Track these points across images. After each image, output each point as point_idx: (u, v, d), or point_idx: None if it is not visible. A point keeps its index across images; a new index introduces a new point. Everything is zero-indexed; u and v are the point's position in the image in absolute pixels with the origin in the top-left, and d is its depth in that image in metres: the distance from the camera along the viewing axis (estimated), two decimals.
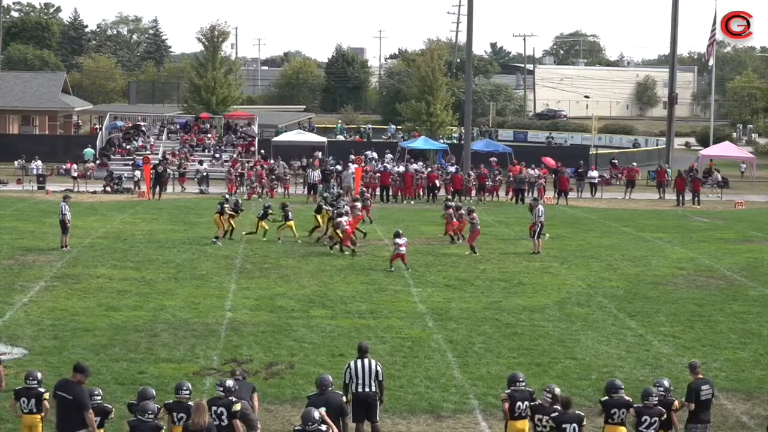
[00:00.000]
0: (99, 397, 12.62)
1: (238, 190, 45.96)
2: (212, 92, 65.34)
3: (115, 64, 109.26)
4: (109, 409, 12.67)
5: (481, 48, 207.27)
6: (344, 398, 13.21)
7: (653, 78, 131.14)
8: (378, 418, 13.81)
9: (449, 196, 43.08)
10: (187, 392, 12.74)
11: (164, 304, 22.14)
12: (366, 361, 13.77)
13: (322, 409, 12.13)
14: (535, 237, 30.22)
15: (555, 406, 12.60)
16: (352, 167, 47.12)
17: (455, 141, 67.20)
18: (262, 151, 55.33)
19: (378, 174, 46.66)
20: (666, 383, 13.27)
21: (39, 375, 13.25)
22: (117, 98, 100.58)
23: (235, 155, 54.88)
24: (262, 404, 14.84)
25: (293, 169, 50.40)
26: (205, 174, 48.64)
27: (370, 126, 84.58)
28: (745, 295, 24.46)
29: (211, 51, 65.74)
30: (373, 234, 33.09)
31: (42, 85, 70.74)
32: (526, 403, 13.04)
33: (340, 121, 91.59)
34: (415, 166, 49.21)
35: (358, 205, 32.75)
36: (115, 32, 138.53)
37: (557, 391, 12.90)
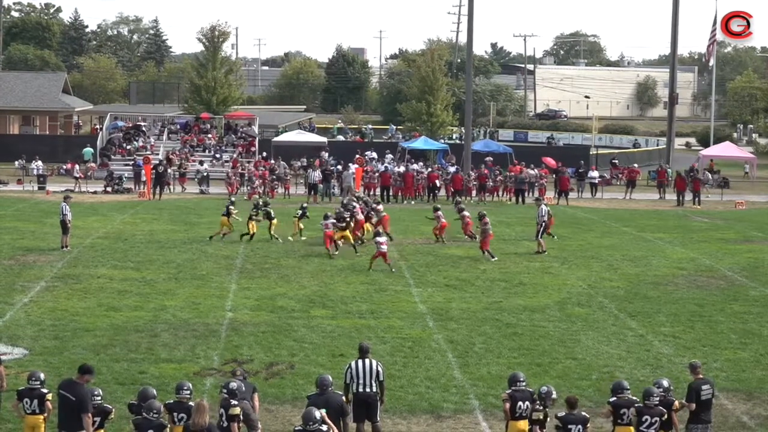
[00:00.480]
0: (99, 398, 12.62)
1: (238, 191, 45.90)
2: (213, 92, 65.33)
3: (115, 65, 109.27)
4: (109, 410, 12.68)
5: (481, 48, 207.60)
6: (344, 398, 13.21)
7: (654, 78, 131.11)
8: (378, 418, 13.82)
9: (439, 201, 42.62)
10: (188, 392, 12.75)
11: (165, 305, 22.14)
12: (367, 361, 13.78)
13: (323, 410, 12.14)
14: (539, 236, 30.16)
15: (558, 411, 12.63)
16: (353, 167, 47.13)
17: (457, 141, 67.17)
18: (264, 153, 55.27)
19: (377, 174, 46.70)
20: (665, 383, 13.28)
21: (42, 376, 13.26)
22: (117, 98, 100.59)
23: (235, 155, 54.89)
24: (263, 404, 14.85)
25: (294, 169, 50.41)
26: (205, 174, 48.65)
27: (370, 126, 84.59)
28: (746, 296, 24.46)
29: (211, 51, 65.73)
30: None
31: (42, 85, 70.74)
32: (527, 403, 13.05)
33: (340, 121, 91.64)
34: (415, 166, 49.22)
35: (380, 207, 33.10)
36: (115, 32, 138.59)
37: (544, 389, 12.92)
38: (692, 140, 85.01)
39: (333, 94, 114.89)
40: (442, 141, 63.23)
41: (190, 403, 12.42)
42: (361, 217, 31.43)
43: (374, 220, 31.98)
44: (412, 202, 44.51)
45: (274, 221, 31.54)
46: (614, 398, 12.93)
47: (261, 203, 33.12)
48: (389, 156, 55.26)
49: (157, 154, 53.66)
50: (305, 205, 33.70)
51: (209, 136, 59.11)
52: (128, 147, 56.44)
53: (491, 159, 51.89)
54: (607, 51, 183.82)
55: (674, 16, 56.47)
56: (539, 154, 56.69)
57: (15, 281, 24.48)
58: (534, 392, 13.35)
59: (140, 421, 12.13)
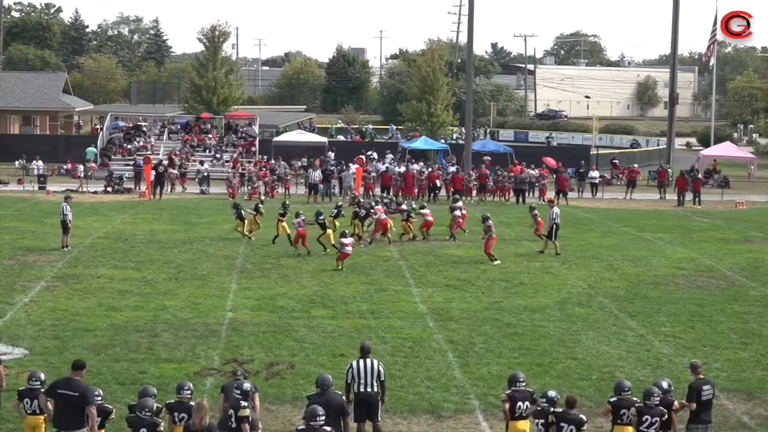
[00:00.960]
0: (100, 398, 12.62)
1: (239, 191, 45.88)
2: (213, 92, 65.33)
3: (115, 65, 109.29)
4: (109, 410, 12.68)
5: (481, 48, 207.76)
6: (344, 398, 13.21)
7: (654, 78, 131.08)
8: (379, 418, 13.82)
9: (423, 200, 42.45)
10: (189, 392, 12.76)
11: (165, 305, 22.14)
12: (368, 361, 13.80)
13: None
14: (553, 238, 30.08)
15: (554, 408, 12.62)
16: (353, 167, 47.13)
17: (459, 140, 67.17)
18: (265, 156, 55.20)
19: (374, 175, 46.71)
20: (665, 384, 13.28)
21: (42, 376, 13.26)
22: (118, 98, 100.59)
23: (235, 155, 54.89)
24: (263, 404, 14.85)
25: (294, 169, 50.41)
26: (205, 174, 48.66)
27: (371, 126, 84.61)
28: (746, 296, 24.46)
29: (211, 51, 65.73)
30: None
31: (43, 85, 70.75)
32: (527, 403, 13.05)
33: (340, 121, 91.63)
34: (415, 166, 49.22)
35: (404, 206, 33.34)
36: (115, 32, 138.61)
37: (552, 393, 12.91)
38: (692, 140, 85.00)
39: (333, 94, 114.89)
40: (443, 141, 63.23)
41: (191, 403, 12.42)
42: (383, 217, 31.48)
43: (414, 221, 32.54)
44: (413, 203, 44.43)
45: (243, 221, 31.63)
46: (615, 398, 12.94)
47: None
48: (389, 156, 55.26)
49: (158, 154, 53.66)
50: (340, 204, 33.98)
51: (209, 136, 59.11)
52: (129, 147, 56.46)
53: (489, 158, 51.86)
54: (608, 51, 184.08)
55: (674, 16, 56.49)
56: (539, 154, 56.69)
57: (15, 281, 24.49)
58: (534, 392, 13.36)
59: (133, 419, 12.16)
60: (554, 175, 47.83)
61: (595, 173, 49.86)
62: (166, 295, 23.15)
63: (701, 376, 13.54)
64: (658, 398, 12.75)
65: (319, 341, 19.26)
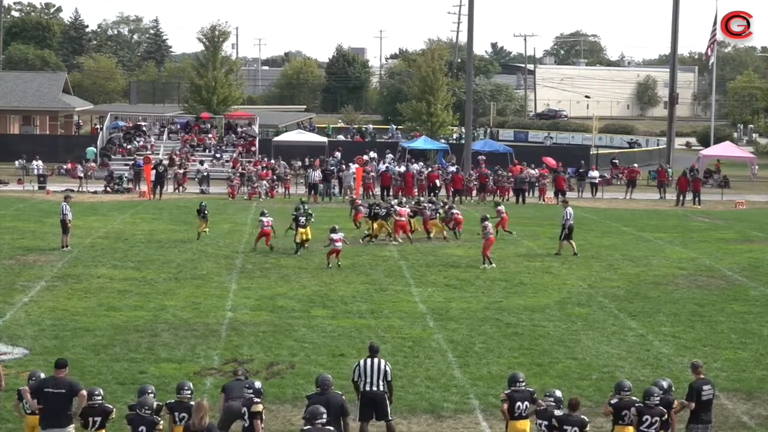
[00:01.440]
0: (100, 397, 12.62)
1: (239, 191, 45.87)
2: (213, 92, 65.31)
3: (115, 64, 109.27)
4: (109, 410, 12.68)
5: (481, 48, 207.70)
6: (344, 396, 13.20)
7: (654, 78, 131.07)
8: (390, 417, 13.87)
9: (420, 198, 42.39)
10: (189, 392, 12.77)
11: (165, 304, 22.14)
12: (375, 360, 13.88)
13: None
14: (563, 238, 29.94)
15: (557, 410, 12.60)
16: (353, 167, 47.13)
17: (461, 140, 67.19)
18: (264, 157, 55.19)
19: (373, 175, 46.72)
20: (665, 384, 13.29)
21: (42, 375, 13.29)
22: (118, 98, 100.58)
23: (235, 155, 54.91)
24: (263, 404, 14.82)
25: (294, 169, 50.42)
26: (205, 174, 48.66)
27: (371, 126, 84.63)
28: (746, 295, 24.46)
29: (211, 51, 65.71)
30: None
31: (43, 85, 70.73)
32: (527, 403, 13.05)
33: (340, 121, 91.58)
34: (415, 166, 49.22)
35: (432, 205, 33.40)
36: (115, 32, 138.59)
37: (559, 394, 12.89)
38: (692, 140, 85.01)
39: (333, 94, 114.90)
40: (443, 141, 63.25)
41: (191, 402, 12.43)
42: (403, 219, 31.58)
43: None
44: (413, 203, 44.39)
45: (206, 222, 31.56)
46: (616, 399, 12.93)
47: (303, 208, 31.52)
48: (389, 156, 55.27)
49: (158, 154, 53.68)
50: (373, 202, 34.22)
51: (209, 135, 59.12)
52: (128, 147, 56.47)
53: (484, 158, 51.83)
54: (607, 51, 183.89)
55: (674, 16, 56.51)
56: (539, 154, 56.72)
57: (15, 281, 24.49)
58: (535, 392, 13.35)
59: (133, 416, 12.19)
60: (553, 175, 47.88)
61: (594, 173, 49.87)
62: (165, 295, 23.15)
63: (702, 376, 13.54)
64: (658, 398, 12.75)
65: (319, 341, 19.26)
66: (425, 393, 16.21)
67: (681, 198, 45.27)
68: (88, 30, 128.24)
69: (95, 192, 45.88)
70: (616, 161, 59.88)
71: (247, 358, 17.85)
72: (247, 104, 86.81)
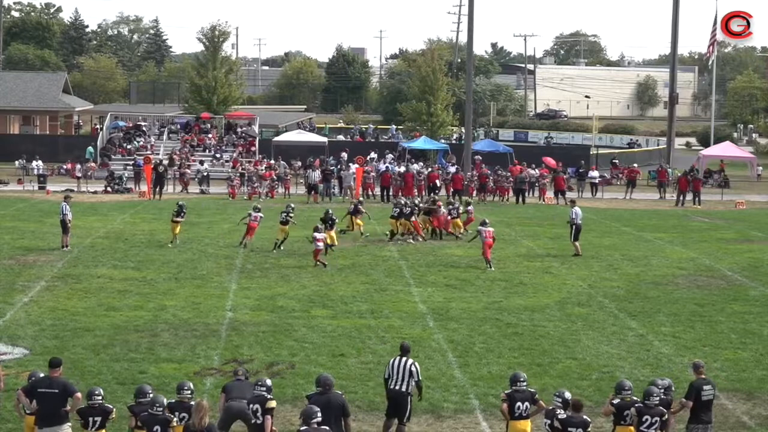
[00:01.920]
0: (99, 397, 12.62)
1: (239, 191, 45.87)
2: (213, 92, 65.33)
3: (115, 64, 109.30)
4: (109, 410, 12.67)
5: (481, 48, 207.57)
6: (344, 396, 13.20)
7: (654, 78, 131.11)
8: (405, 421, 13.97)
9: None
10: (189, 392, 12.76)
11: (165, 304, 22.14)
12: (404, 359, 14.01)
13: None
14: (573, 239, 29.93)
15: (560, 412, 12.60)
16: (353, 167, 47.14)
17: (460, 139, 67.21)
18: (264, 156, 55.19)
19: (373, 175, 46.70)
20: (664, 383, 13.29)
21: (41, 375, 13.27)
22: (118, 98, 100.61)
23: (235, 155, 54.92)
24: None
25: (294, 169, 50.42)
26: (205, 174, 48.66)
27: (371, 126, 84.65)
28: (746, 295, 24.47)
29: (211, 51, 65.73)
30: (373, 233, 33.10)
31: (43, 85, 70.74)
32: (527, 404, 13.04)
33: (341, 121, 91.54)
34: (415, 166, 49.23)
35: (457, 204, 33.66)
36: (115, 32, 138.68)
37: (567, 395, 12.87)
38: (692, 140, 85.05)
39: (333, 94, 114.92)
40: (443, 141, 63.25)
41: (191, 402, 12.43)
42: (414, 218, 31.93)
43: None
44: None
45: (179, 223, 30.52)
46: (617, 399, 12.92)
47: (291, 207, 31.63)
48: (389, 156, 55.28)
49: (158, 154, 53.69)
50: (403, 201, 33.97)
51: (209, 135, 59.13)
52: (128, 147, 56.48)
53: (479, 158, 51.84)
54: (607, 51, 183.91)
55: (674, 16, 56.48)
56: (539, 154, 56.73)
57: (15, 281, 24.49)
58: (536, 392, 13.35)
59: (146, 417, 12.17)
60: (552, 175, 47.89)
61: (594, 173, 49.88)
62: (165, 295, 23.15)
63: (703, 376, 13.54)
64: (658, 398, 12.74)
65: (319, 341, 19.26)
66: (425, 393, 16.18)
67: (681, 198, 45.28)
68: (88, 30, 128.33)
69: (95, 192, 45.88)
70: (616, 161, 59.90)
71: (247, 358, 17.85)
72: (247, 104, 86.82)
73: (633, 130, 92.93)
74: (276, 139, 60.89)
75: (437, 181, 45.87)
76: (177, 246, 29.82)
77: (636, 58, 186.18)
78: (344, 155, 54.45)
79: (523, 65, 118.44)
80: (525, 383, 13.24)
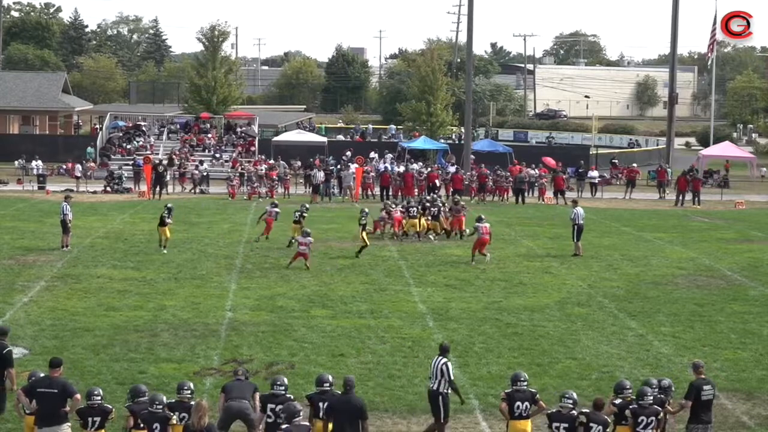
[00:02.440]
0: (99, 397, 12.62)
1: (238, 191, 45.86)
2: (212, 92, 65.34)
3: (115, 64, 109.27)
4: (109, 410, 12.67)
5: (481, 48, 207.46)
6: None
7: (653, 78, 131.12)
8: (443, 421, 14.07)
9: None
10: (189, 392, 12.77)
11: (164, 304, 22.14)
12: (439, 359, 14.15)
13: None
14: (575, 239, 29.97)
15: (577, 410, 12.60)
16: (353, 167, 47.13)
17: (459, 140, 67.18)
18: (264, 156, 55.20)
19: (373, 174, 46.69)
20: (654, 381, 13.31)
21: (41, 375, 13.28)
22: (117, 98, 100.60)
23: (235, 155, 54.92)
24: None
25: (293, 169, 50.42)
26: (205, 174, 48.65)
27: (371, 126, 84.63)
28: (746, 295, 24.47)
29: (211, 51, 65.72)
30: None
31: (42, 85, 70.73)
32: (527, 404, 13.04)
33: (340, 121, 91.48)
34: (415, 166, 49.22)
35: (458, 206, 33.51)
36: (115, 32, 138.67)
37: (576, 396, 12.88)
38: (692, 140, 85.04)
39: (333, 94, 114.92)
40: (442, 141, 63.24)
41: (192, 402, 12.43)
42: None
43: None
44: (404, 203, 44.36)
45: (166, 228, 29.22)
46: (619, 399, 12.93)
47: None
48: (389, 156, 55.28)
49: (157, 154, 53.69)
50: (424, 198, 34.61)
51: (209, 135, 59.14)
52: (128, 147, 56.48)
53: (472, 158, 51.77)
54: (607, 51, 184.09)
55: (674, 16, 56.46)
56: (539, 154, 56.72)
57: (15, 281, 24.49)
58: (536, 392, 13.35)
59: (146, 415, 12.18)
60: (552, 175, 47.88)
61: (594, 173, 49.88)
62: (165, 295, 23.15)
63: (703, 376, 13.54)
64: (652, 397, 12.74)
65: (319, 341, 19.26)
66: (425, 393, 16.17)
67: (680, 198, 45.28)
68: (87, 30, 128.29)
69: (95, 192, 45.87)
70: (616, 161, 59.91)
71: (246, 358, 17.84)
72: (246, 104, 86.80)
73: (633, 130, 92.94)
74: (275, 139, 60.90)
75: (437, 181, 45.85)
76: (163, 250, 28.82)
77: (636, 58, 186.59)
78: (348, 154, 54.46)
79: (523, 65, 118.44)
80: (526, 383, 13.24)
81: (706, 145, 70.16)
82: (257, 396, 13.39)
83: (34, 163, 51.63)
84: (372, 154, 55.60)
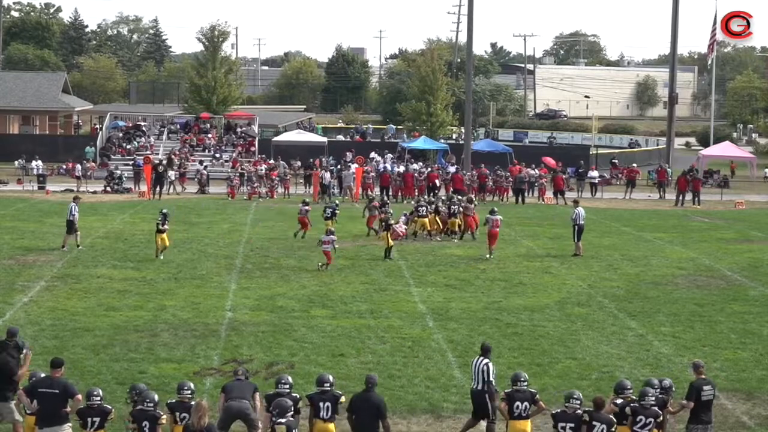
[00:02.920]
0: (98, 398, 12.62)
1: (238, 191, 45.85)
2: (212, 92, 65.35)
3: (115, 64, 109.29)
4: (108, 410, 12.67)
5: (481, 48, 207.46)
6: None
7: (653, 78, 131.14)
8: (492, 418, 13.98)
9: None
10: (189, 392, 12.77)
11: (164, 304, 22.14)
12: (480, 359, 14.14)
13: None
14: (575, 239, 29.99)
15: (581, 410, 12.60)
16: (353, 167, 47.13)
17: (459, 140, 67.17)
18: (264, 156, 55.22)
19: (373, 174, 46.70)
20: (664, 383, 13.29)
21: (42, 376, 13.28)
22: (117, 98, 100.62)
23: (235, 155, 54.92)
24: (263, 404, 14.81)
25: (293, 169, 50.42)
26: (205, 174, 48.62)
27: (370, 126, 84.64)
28: (746, 295, 24.46)
29: (211, 51, 65.75)
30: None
31: (42, 85, 70.73)
32: (527, 404, 13.04)
33: (340, 121, 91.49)
34: (415, 166, 49.22)
35: (471, 206, 33.42)
36: (115, 32, 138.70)
37: (581, 396, 12.86)
38: (692, 140, 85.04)
39: (333, 94, 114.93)
40: (442, 141, 63.25)
41: (192, 402, 12.43)
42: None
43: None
44: (412, 202, 44.40)
45: (165, 231, 28.07)
46: (620, 399, 12.93)
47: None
48: (389, 156, 55.28)
49: (157, 154, 53.69)
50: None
51: (209, 135, 59.15)
52: (128, 147, 56.47)
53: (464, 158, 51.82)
54: (607, 51, 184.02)
55: (674, 16, 56.47)
56: (539, 154, 56.73)
57: (15, 281, 24.48)
58: (537, 393, 13.35)
59: (137, 412, 12.21)
60: (551, 175, 47.87)
61: (594, 173, 49.88)
62: (165, 295, 23.15)
63: (703, 376, 13.54)
64: (653, 398, 12.74)
65: (319, 341, 19.25)
66: (425, 393, 16.21)
67: (680, 198, 45.28)
68: (87, 30, 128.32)
69: (95, 192, 45.86)
70: (616, 161, 59.90)
71: (246, 358, 17.84)
72: (246, 104, 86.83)
73: (632, 130, 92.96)
74: (275, 139, 60.90)
75: (437, 181, 45.86)
76: (159, 256, 28.14)
77: (636, 58, 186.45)
78: (349, 155, 54.48)
79: (523, 65, 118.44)
80: (526, 383, 13.25)
81: (706, 145, 70.16)
82: (258, 396, 13.40)
83: (34, 163, 51.63)
84: (372, 154, 55.61)
